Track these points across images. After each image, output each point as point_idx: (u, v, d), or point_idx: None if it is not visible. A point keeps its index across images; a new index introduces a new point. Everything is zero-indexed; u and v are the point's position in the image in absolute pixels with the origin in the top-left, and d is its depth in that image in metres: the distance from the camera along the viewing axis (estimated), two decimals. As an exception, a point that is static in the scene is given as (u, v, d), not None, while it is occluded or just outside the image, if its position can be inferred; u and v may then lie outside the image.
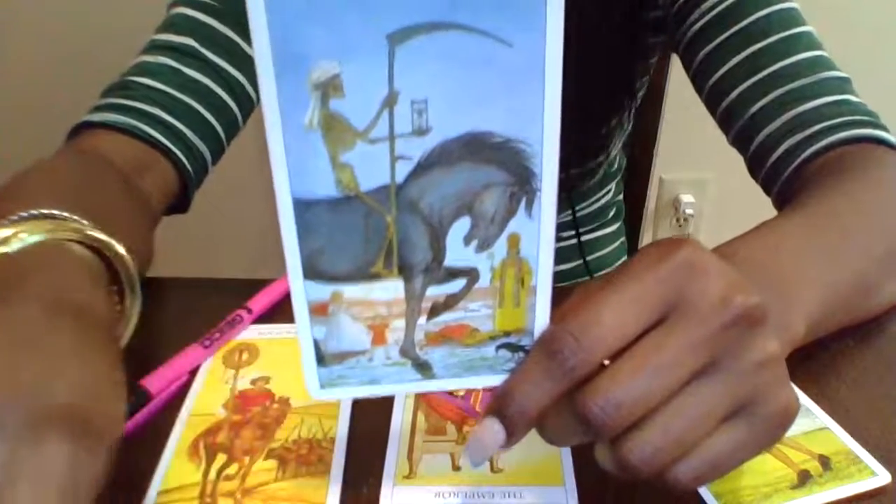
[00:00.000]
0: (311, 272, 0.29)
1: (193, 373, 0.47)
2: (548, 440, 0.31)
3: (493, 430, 0.30)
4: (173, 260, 0.61)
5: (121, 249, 0.41)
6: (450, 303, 0.30)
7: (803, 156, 0.52)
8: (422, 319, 0.31)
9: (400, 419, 0.43)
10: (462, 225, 0.29)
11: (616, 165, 0.89)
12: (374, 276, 0.30)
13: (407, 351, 0.31)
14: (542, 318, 0.31)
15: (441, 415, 0.44)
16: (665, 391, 0.28)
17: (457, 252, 0.29)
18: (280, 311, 0.52)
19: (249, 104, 0.63)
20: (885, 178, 0.49)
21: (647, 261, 0.30)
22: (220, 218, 1.29)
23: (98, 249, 0.40)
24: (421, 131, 0.27)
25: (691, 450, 0.29)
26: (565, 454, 0.41)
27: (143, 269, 0.47)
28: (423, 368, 0.32)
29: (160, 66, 0.58)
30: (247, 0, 0.24)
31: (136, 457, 0.40)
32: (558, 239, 0.68)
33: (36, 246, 0.37)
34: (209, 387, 0.46)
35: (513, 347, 0.31)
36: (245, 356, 0.48)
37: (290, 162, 0.27)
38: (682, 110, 0.93)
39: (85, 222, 0.40)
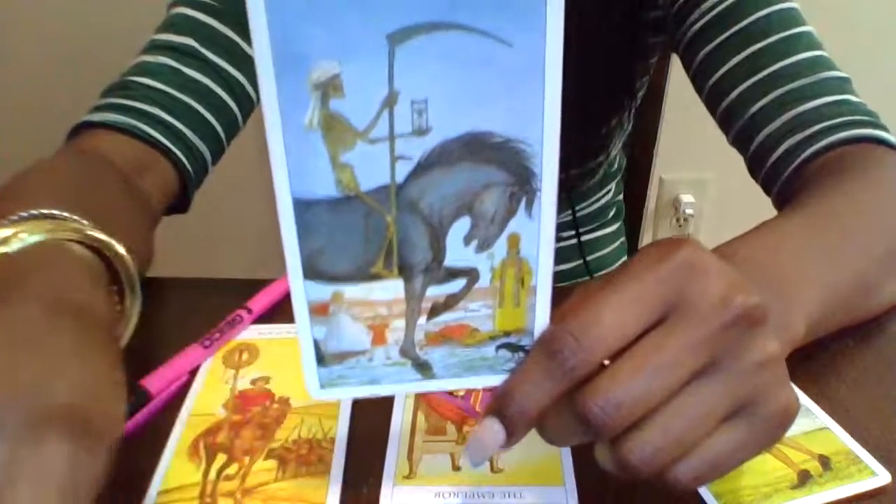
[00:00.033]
0: (311, 272, 0.29)
1: (193, 373, 0.47)
2: (548, 440, 0.31)
3: (493, 430, 0.30)
4: (173, 260, 0.61)
5: (121, 249, 0.41)
6: (450, 303, 0.30)
7: (803, 156, 0.52)
8: (422, 319, 0.31)
9: (400, 419, 0.43)
10: (462, 225, 0.29)
11: (616, 165, 0.89)
12: (375, 276, 0.29)
13: (407, 351, 0.31)
14: (542, 318, 0.31)
15: (441, 415, 0.44)
16: (665, 391, 0.28)
17: (457, 252, 0.29)
18: (280, 311, 0.52)
19: (249, 104, 0.63)
20: (885, 178, 0.49)
21: (647, 261, 0.30)
22: (220, 218, 1.29)
23: (98, 249, 0.40)
24: (421, 131, 0.27)
25: (691, 450, 0.29)
26: (565, 454, 0.41)
27: (143, 269, 0.47)
28: (423, 368, 0.32)
29: (160, 66, 0.58)
30: (247, 0, 0.25)
31: (136, 457, 0.40)
32: (558, 239, 0.68)
33: (36, 246, 0.37)
34: (209, 387, 0.46)
35: (513, 347, 0.31)
36: (245, 356, 0.48)
37: (290, 162, 0.27)
38: (682, 110, 0.93)
39: (85, 222, 0.40)
